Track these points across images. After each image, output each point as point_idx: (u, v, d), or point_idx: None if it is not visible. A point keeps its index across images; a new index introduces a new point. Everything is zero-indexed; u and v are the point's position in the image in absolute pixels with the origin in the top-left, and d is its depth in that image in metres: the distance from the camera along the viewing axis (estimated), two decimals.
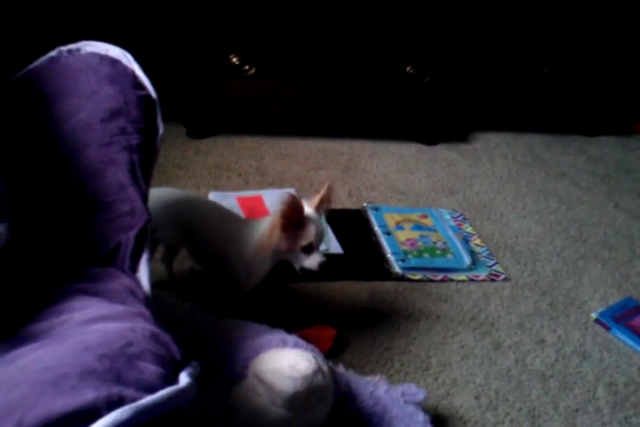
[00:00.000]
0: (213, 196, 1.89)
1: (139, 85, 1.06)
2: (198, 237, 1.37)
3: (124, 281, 0.80)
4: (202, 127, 2.25)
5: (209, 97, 2.19)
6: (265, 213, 1.87)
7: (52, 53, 1.09)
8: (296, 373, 0.92)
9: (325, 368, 0.98)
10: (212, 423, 0.93)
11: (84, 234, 0.91)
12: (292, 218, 1.21)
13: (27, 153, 0.98)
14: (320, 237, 1.26)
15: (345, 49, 2.18)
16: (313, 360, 0.96)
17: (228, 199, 1.89)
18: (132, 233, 0.89)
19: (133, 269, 0.85)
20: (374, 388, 1.14)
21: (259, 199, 1.93)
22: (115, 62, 1.07)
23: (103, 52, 1.08)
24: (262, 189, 1.99)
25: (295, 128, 2.37)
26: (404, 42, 2.23)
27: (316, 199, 1.29)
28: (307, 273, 1.30)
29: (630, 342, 1.57)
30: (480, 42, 2.39)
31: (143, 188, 0.97)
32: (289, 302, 1.54)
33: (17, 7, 1.89)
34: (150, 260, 1.36)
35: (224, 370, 0.99)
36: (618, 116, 2.83)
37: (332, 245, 1.79)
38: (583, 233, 2.06)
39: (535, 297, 1.71)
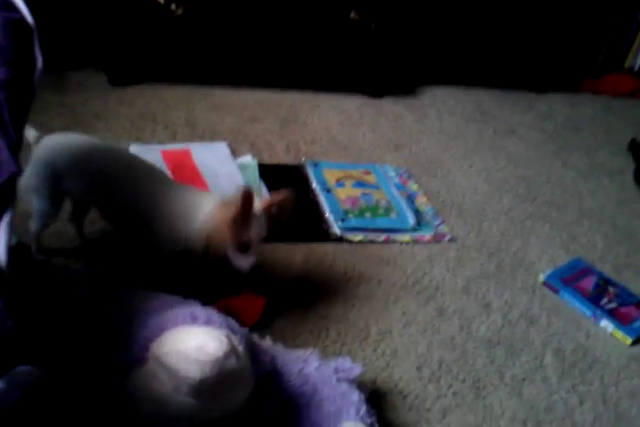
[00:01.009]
0: (134, 149, 1.70)
1: (7, 6, 0.85)
2: (114, 194, 1.19)
3: None
4: (125, 74, 2.02)
5: (132, 40, 1.95)
6: (193, 169, 1.69)
7: None
8: (203, 355, 0.78)
9: (240, 349, 0.84)
10: (107, 415, 0.78)
11: None
12: (246, 211, 1.10)
13: None
14: (260, 238, 1.15)
15: None
16: (225, 340, 0.81)
17: (151, 153, 1.69)
18: None
19: None
20: (304, 364, 1.01)
21: (186, 153, 1.74)
22: None
23: None
24: (191, 143, 1.80)
25: (230, 77, 2.16)
26: None
27: (269, 200, 1.17)
28: (235, 274, 1.18)
29: (578, 304, 1.50)
30: None
31: (11, 133, 0.79)
32: (216, 264, 1.38)
33: None
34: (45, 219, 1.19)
35: (122, 352, 0.83)
36: (567, 73, 2.73)
37: None
38: (531, 192, 1.97)
39: (482, 259, 1.61)
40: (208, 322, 0.87)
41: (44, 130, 1.69)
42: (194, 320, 0.86)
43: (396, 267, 1.51)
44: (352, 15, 2.10)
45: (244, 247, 1.14)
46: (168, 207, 1.16)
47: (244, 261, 1.15)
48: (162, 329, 0.84)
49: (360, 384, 1.06)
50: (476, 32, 2.45)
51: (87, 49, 2.05)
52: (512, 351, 1.34)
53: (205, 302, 1.02)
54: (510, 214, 1.83)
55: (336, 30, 2.12)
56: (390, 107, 2.31)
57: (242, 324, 1.01)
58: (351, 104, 2.25)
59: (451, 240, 1.65)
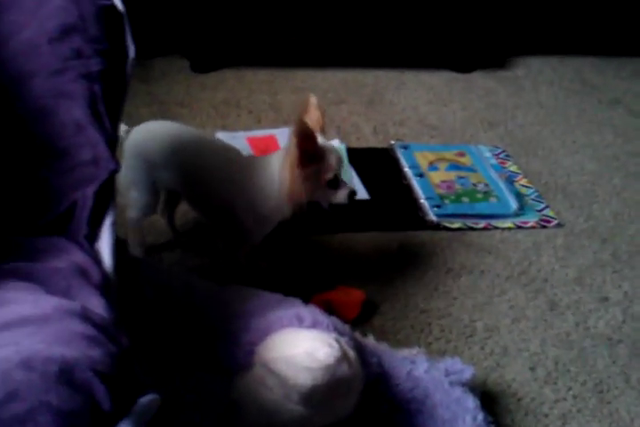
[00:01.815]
0: (221, 136, 1.66)
1: None
2: (199, 182, 1.15)
3: (74, 257, 0.59)
4: (207, 60, 1.99)
5: (212, 24, 1.91)
6: None
7: None
8: (315, 362, 0.72)
9: (352, 354, 0.78)
10: (212, 423, 0.74)
11: (30, 190, 0.70)
12: (308, 149, 0.98)
13: None
14: (341, 165, 1.04)
15: None
16: (336, 345, 0.75)
17: (237, 140, 1.66)
18: (91, 189, 0.67)
19: (92, 237, 0.64)
20: (412, 366, 0.94)
21: (272, 139, 1.69)
22: None
23: None
24: (276, 128, 1.74)
25: (312, 58, 2.09)
26: None
27: (316, 122, 1.03)
28: (335, 208, 1.08)
29: None
30: None
31: (108, 128, 0.75)
32: (309, 257, 1.33)
33: None
34: (148, 212, 1.17)
35: (225, 356, 0.79)
36: None
37: (357, 189, 1.55)
38: None
39: (594, 246, 1.47)
40: (314, 324, 0.81)
41: (132, 120, 1.68)
42: (300, 322, 0.80)
43: (499, 256, 1.40)
44: None
45: (333, 183, 1.03)
46: (248, 184, 1.09)
47: (340, 195, 1.05)
48: (267, 332, 0.79)
49: (470, 387, 0.98)
50: None
51: (169, 36, 2.03)
52: (637, 351, 1.21)
53: (303, 297, 0.97)
54: (623, 195, 1.67)
55: (421, 2, 1.99)
56: (481, 81, 2.16)
57: (341, 319, 0.96)
58: (439, 81, 2.13)
59: (558, 226, 1.52)
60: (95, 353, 0.41)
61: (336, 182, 1.04)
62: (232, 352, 0.79)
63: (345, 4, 1.94)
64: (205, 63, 1.98)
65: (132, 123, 1.65)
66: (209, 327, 0.84)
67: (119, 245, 1.20)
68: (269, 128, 1.75)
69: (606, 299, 1.33)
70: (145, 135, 1.17)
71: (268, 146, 1.66)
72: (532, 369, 1.14)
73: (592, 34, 2.39)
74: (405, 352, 1.00)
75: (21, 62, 0.75)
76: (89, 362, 0.40)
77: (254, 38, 1.97)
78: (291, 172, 1.00)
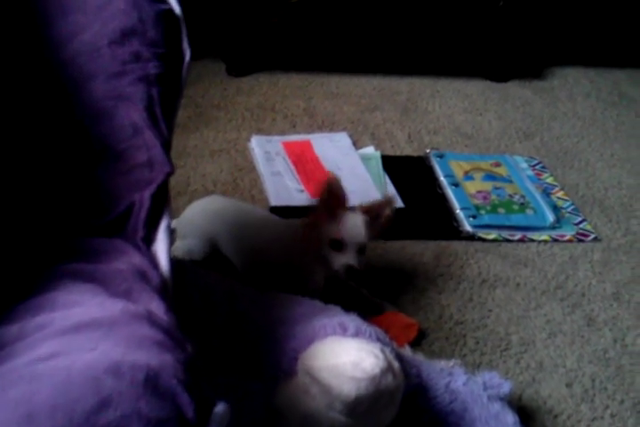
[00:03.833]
0: (256, 140, 1.67)
1: None
2: (256, 256, 1.21)
3: (133, 259, 0.59)
4: (243, 63, 2.00)
5: (249, 28, 1.92)
6: (315, 161, 1.64)
7: None
8: (360, 372, 0.72)
9: (396, 365, 0.77)
10: None
11: (88, 192, 0.70)
12: (331, 203, 1.06)
13: (19, 86, 0.76)
14: (355, 238, 1.07)
15: None
16: (381, 355, 0.74)
17: (272, 144, 1.67)
18: (148, 192, 0.68)
19: (148, 239, 0.64)
20: (450, 378, 0.93)
21: (307, 144, 1.69)
22: None
23: None
24: (311, 133, 1.75)
25: (347, 64, 2.09)
26: None
27: (368, 206, 1.12)
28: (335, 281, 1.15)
29: None
30: None
31: (164, 131, 0.75)
32: None
33: None
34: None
35: (268, 363, 0.79)
36: None
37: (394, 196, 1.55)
38: None
39: (632, 261, 1.45)
40: (357, 333, 0.80)
41: None
42: (344, 330, 0.80)
43: (535, 269, 1.39)
44: None
45: (335, 245, 1.07)
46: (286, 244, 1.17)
47: (337, 260, 1.07)
48: (311, 340, 0.78)
49: (508, 402, 0.97)
50: (607, 6, 2.22)
51: (206, 39, 2.04)
52: None
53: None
54: None
55: (459, 9, 1.99)
56: (517, 91, 2.14)
57: None
58: (474, 89, 2.11)
59: (595, 240, 1.50)
60: (168, 359, 0.41)
61: (339, 246, 1.07)
62: (276, 359, 0.79)
63: (382, 11, 1.94)
64: (241, 67, 1.99)
65: None
66: (252, 333, 0.84)
67: None
68: (304, 133, 1.75)
69: None
70: (203, 211, 1.24)
71: (302, 150, 1.66)
72: (569, 386, 1.12)
73: (630, 46, 2.36)
74: (442, 364, 0.99)
75: (82, 64, 0.76)
76: (171, 369, 0.40)
77: (290, 43, 1.98)
78: (311, 217, 1.08)
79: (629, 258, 1.46)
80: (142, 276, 0.57)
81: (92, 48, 0.77)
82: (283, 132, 1.74)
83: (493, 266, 1.38)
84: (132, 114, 0.74)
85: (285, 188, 1.51)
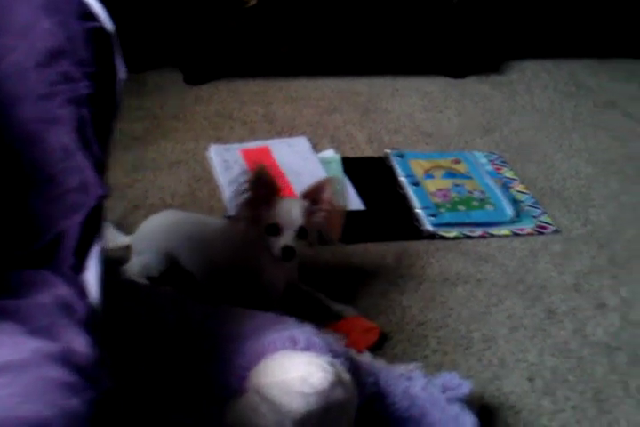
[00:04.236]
0: (214, 149, 1.66)
1: (87, 15, 0.81)
2: (210, 263, 1.22)
3: (59, 290, 0.58)
4: (200, 71, 1.99)
5: (205, 35, 1.91)
6: (274, 167, 1.63)
7: None
8: (308, 387, 0.71)
9: (346, 376, 0.77)
10: None
11: (15, 219, 0.69)
12: (260, 191, 1.07)
13: None
14: (291, 221, 1.08)
15: None
16: (330, 369, 0.74)
17: (231, 152, 1.66)
18: (79, 217, 0.67)
19: (78, 268, 0.63)
20: (409, 383, 0.93)
21: (266, 151, 1.69)
22: None
23: None
24: (270, 139, 1.75)
25: (305, 67, 2.08)
26: None
27: (306, 190, 1.12)
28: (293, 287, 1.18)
29: None
30: None
31: (97, 152, 0.74)
32: (300, 270, 1.32)
33: None
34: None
35: (218, 383, 0.78)
36: None
37: (352, 199, 1.55)
38: None
39: (592, 251, 1.47)
40: (308, 346, 0.80)
41: (126, 136, 1.69)
42: (294, 344, 0.79)
43: (496, 264, 1.40)
44: None
45: (271, 230, 1.08)
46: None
47: (275, 244, 1.08)
48: (260, 356, 0.78)
49: (468, 402, 0.98)
50: None
51: (161, 49, 2.03)
52: (636, 358, 1.20)
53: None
54: (620, 199, 1.67)
55: (415, 7, 1.99)
56: (475, 86, 2.16)
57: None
58: (433, 87, 2.12)
59: (555, 232, 1.52)
60: (71, 403, 0.41)
61: (275, 231, 1.08)
62: (225, 378, 0.79)
63: (336, 12, 1.94)
64: (199, 75, 1.98)
65: (126, 139, 1.67)
66: (203, 351, 0.83)
67: (112, 267, 1.20)
68: (263, 139, 1.74)
69: (604, 305, 1.32)
70: (166, 224, 1.25)
71: (261, 157, 1.65)
72: (531, 380, 1.13)
73: (586, 36, 2.39)
74: (402, 368, 0.99)
75: (8, 87, 0.75)
76: (62, 420, 0.39)
77: (246, 49, 1.97)
78: (241, 210, 1.08)
79: (589, 248, 1.48)
80: (67, 308, 0.56)
81: (19, 70, 0.76)
82: (242, 140, 1.73)
83: (455, 264, 1.39)
84: (62, 136, 0.73)
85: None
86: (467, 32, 2.09)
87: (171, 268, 1.23)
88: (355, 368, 0.88)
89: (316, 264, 1.35)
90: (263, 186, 1.08)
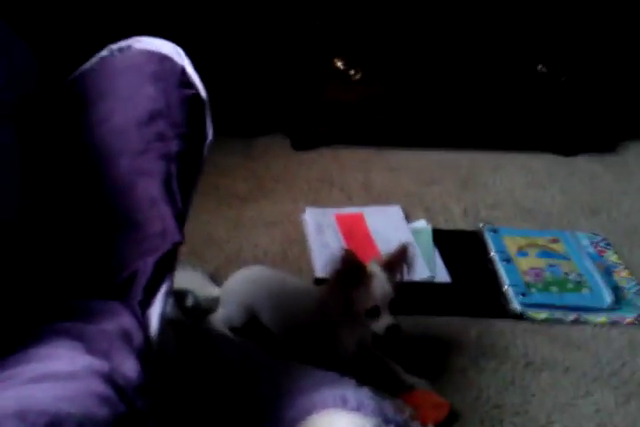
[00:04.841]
0: (310, 212, 1.72)
1: (186, 84, 0.91)
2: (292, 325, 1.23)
3: (122, 320, 0.63)
4: (306, 138, 2.10)
5: (312, 105, 2.03)
6: (365, 233, 1.66)
7: (104, 52, 0.98)
8: None
9: None
10: None
11: (103, 257, 0.77)
12: (350, 275, 1.07)
13: (58, 162, 0.86)
14: (386, 299, 1.09)
15: (462, 46, 1.92)
16: None
17: (326, 217, 1.71)
18: (152, 259, 0.73)
19: (146, 303, 0.69)
20: None
21: (359, 217, 1.72)
22: (163, 59, 0.93)
23: (153, 49, 0.94)
24: (364, 206, 1.78)
25: (408, 139, 2.13)
26: (533, 35, 1.91)
27: (387, 257, 1.13)
28: (378, 342, 1.16)
29: None
30: (623, 30, 1.98)
31: (179, 204, 0.81)
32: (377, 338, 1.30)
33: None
34: None
35: None
36: None
37: (439, 272, 1.53)
38: None
39: None
40: (359, 407, 0.79)
41: (230, 192, 1.81)
42: (344, 404, 0.79)
43: (588, 353, 1.30)
44: (539, 68, 1.97)
45: (372, 313, 1.08)
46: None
47: (378, 326, 1.08)
48: (309, 411, 0.78)
49: None
50: None
51: (273, 116, 2.18)
52: None
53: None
54: None
55: (521, 84, 2.00)
56: (585, 165, 2.09)
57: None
58: (539, 164, 2.08)
59: None
60: (100, 412, 0.44)
61: (376, 313, 1.08)
62: None
63: (444, 83, 1.99)
64: (305, 142, 2.09)
65: (230, 197, 1.78)
66: (257, 402, 0.84)
67: (200, 315, 1.26)
68: (359, 206, 1.78)
69: None
70: (249, 280, 1.29)
71: (354, 223, 1.69)
72: None
73: None
74: None
75: (112, 143, 0.85)
76: (83, 418, 0.43)
77: (352, 119, 2.06)
78: (327, 290, 1.10)
79: None
80: (126, 337, 0.60)
81: (122, 129, 0.86)
82: (338, 205, 1.78)
83: (541, 348, 1.31)
84: (150, 188, 0.81)
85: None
86: (576, 110, 2.05)
87: (253, 322, 1.26)
88: None
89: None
90: (351, 268, 1.09)
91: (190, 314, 1.26)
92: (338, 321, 1.14)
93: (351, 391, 0.83)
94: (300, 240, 1.63)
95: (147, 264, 0.73)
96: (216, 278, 1.41)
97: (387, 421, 0.81)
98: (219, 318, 1.26)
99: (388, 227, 1.68)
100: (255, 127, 2.14)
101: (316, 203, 1.79)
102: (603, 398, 1.19)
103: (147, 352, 0.61)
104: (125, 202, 0.82)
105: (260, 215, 1.72)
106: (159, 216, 0.80)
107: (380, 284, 1.09)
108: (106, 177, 0.83)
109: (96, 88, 0.92)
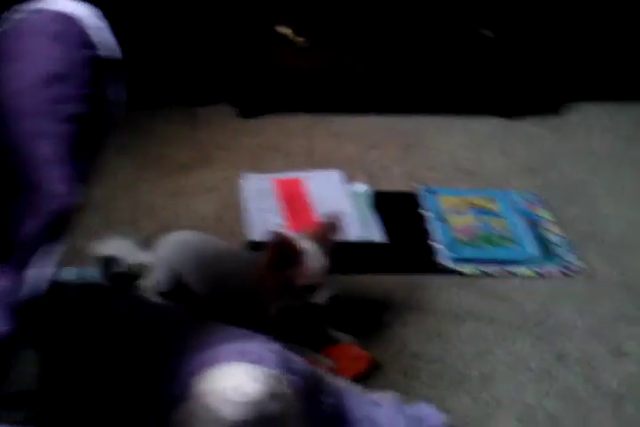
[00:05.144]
0: (248, 177, 1.73)
1: (90, 45, 0.91)
2: (218, 287, 1.25)
3: (2, 280, 0.65)
4: (253, 106, 2.09)
5: (258, 73, 2.02)
6: (303, 198, 1.68)
7: (19, 14, 0.97)
8: (240, 396, 0.73)
9: (288, 391, 0.77)
10: None
11: None
12: (283, 257, 1.09)
13: None
14: (323, 270, 1.11)
15: (409, 11, 1.91)
16: (266, 381, 0.75)
17: (264, 181, 1.73)
18: (41, 221, 0.74)
19: (22, 264, 0.71)
20: (375, 410, 0.92)
21: (298, 182, 1.74)
22: (68, 20, 0.92)
23: (60, 9, 0.93)
24: (304, 171, 1.80)
25: (354, 104, 2.14)
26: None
27: (315, 230, 1.15)
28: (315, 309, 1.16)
29: None
30: None
31: (77, 166, 0.82)
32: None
33: None
34: None
35: (163, 389, 0.81)
36: None
37: (375, 232, 1.56)
38: None
39: (621, 296, 1.38)
40: (260, 360, 0.81)
41: (171, 162, 1.81)
42: (243, 357, 0.81)
43: (514, 305, 1.35)
44: (483, 31, 1.97)
45: (309, 289, 1.10)
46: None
47: (318, 298, 1.10)
48: (208, 365, 0.80)
49: None
50: (631, 36, 2.19)
51: (220, 85, 2.16)
52: None
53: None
54: None
55: (466, 48, 2.01)
56: (529, 128, 2.11)
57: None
58: (483, 127, 2.10)
59: (584, 275, 1.44)
60: None
61: (313, 287, 1.10)
62: (170, 385, 0.81)
63: (388, 49, 1.99)
64: (251, 110, 2.09)
65: (172, 165, 1.79)
66: (157, 360, 0.86)
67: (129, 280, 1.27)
68: (300, 171, 1.80)
69: (625, 354, 1.23)
70: (175, 245, 1.30)
71: (292, 188, 1.71)
72: (521, 421, 1.07)
73: None
74: (376, 395, 0.98)
75: (12, 104, 0.85)
76: None
77: (296, 86, 2.06)
78: (262, 274, 1.11)
79: (618, 293, 1.39)
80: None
81: (22, 91, 0.86)
82: (279, 171, 1.80)
83: (468, 301, 1.35)
84: (45, 150, 0.81)
85: (267, 223, 1.54)
86: (520, 73, 2.07)
87: (182, 286, 1.29)
88: (316, 387, 0.88)
89: None
90: (286, 254, 1.09)
91: (117, 280, 1.28)
92: (264, 290, 1.16)
93: (253, 345, 0.85)
94: (237, 205, 1.64)
95: (36, 225, 0.74)
96: (151, 245, 1.42)
97: (291, 372, 0.84)
98: (147, 282, 1.28)
99: (327, 191, 1.70)
100: (201, 96, 2.13)
101: (258, 169, 1.80)
102: (522, 345, 1.24)
103: (21, 310, 0.64)
104: (20, 164, 0.82)
105: (201, 183, 1.73)
106: (51, 178, 0.80)
107: (314, 260, 1.10)
108: (4, 138, 0.83)
109: (3, 50, 0.91)
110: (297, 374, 0.85)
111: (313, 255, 1.11)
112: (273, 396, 0.75)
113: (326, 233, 1.15)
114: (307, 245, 1.11)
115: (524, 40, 2.00)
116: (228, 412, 0.73)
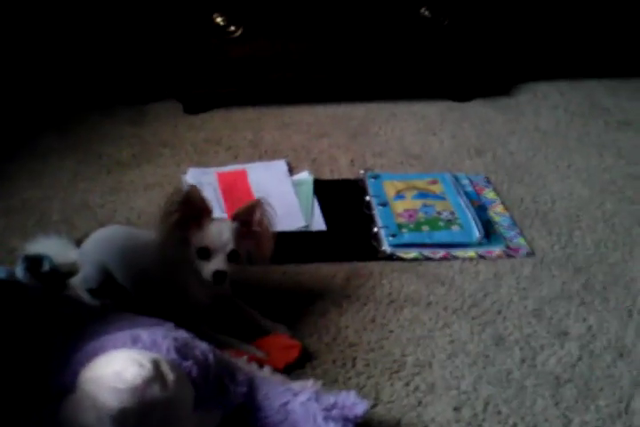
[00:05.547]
0: (191, 172, 1.69)
1: None
2: (141, 280, 1.22)
3: None
4: (197, 101, 2.05)
5: (195, 67, 1.98)
6: (245, 190, 1.64)
7: None
8: (121, 382, 0.69)
9: (171, 376, 0.74)
10: None
11: None
12: (190, 212, 1.06)
13: None
14: (222, 245, 1.07)
15: None
16: (147, 365, 0.72)
17: (207, 175, 1.69)
18: None
19: None
20: (291, 398, 0.88)
21: (242, 174, 1.70)
22: None
23: None
24: (248, 163, 1.76)
25: (301, 95, 2.10)
26: None
27: (237, 210, 1.12)
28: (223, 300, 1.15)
29: None
30: None
31: None
32: (247, 289, 1.29)
33: None
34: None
35: (54, 378, 0.78)
36: None
37: (315, 221, 1.53)
38: None
39: (565, 276, 1.35)
40: (152, 346, 0.78)
41: (111, 160, 1.77)
42: (134, 343, 0.78)
43: (453, 287, 1.32)
44: (422, 11, 1.94)
45: (202, 253, 1.07)
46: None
47: (206, 268, 1.06)
48: (97, 352, 0.77)
49: (360, 423, 0.90)
50: (580, 15, 2.17)
51: (164, 81, 2.12)
52: (587, 392, 1.08)
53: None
54: (612, 221, 1.54)
55: (411, 32, 1.98)
56: (478, 110, 2.09)
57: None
58: (433, 111, 2.08)
59: (527, 255, 1.42)
60: None
61: (206, 255, 1.07)
62: (61, 374, 0.78)
63: (329, 35, 1.95)
64: (197, 105, 2.05)
65: (111, 164, 1.74)
66: (52, 350, 0.83)
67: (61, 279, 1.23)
68: (244, 163, 1.76)
69: (565, 334, 1.21)
70: (102, 240, 1.27)
71: (235, 180, 1.67)
72: (457, 409, 1.04)
73: (607, 56, 2.28)
74: (297, 385, 0.94)
75: None
76: None
77: (240, 77, 2.01)
78: (163, 227, 1.07)
79: (563, 272, 1.36)
80: None
81: None
82: (223, 164, 1.76)
83: (407, 286, 1.32)
84: None
85: None
86: (466, 55, 2.04)
87: (109, 281, 1.25)
88: (226, 375, 0.85)
89: (264, 283, 1.33)
90: (194, 207, 1.08)
91: (47, 279, 1.23)
92: (186, 273, 1.13)
93: (148, 332, 0.82)
94: None
95: None
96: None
97: (186, 359, 0.80)
98: (76, 280, 1.24)
99: (271, 181, 1.67)
100: (147, 94, 2.08)
101: (201, 164, 1.76)
102: (460, 328, 1.21)
103: None
104: None
105: (141, 180, 1.69)
106: None
107: (219, 228, 1.08)
108: None
109: None
110: (193, 361, 0.81)
111: (220, 225, 1.09)
112: (152, 380, 0.71)
113: (248, 215, 1.11)
114: (220, 216, 1.09)
115: (473, 21, 1.97)
116: (109, 399, 0.70)
